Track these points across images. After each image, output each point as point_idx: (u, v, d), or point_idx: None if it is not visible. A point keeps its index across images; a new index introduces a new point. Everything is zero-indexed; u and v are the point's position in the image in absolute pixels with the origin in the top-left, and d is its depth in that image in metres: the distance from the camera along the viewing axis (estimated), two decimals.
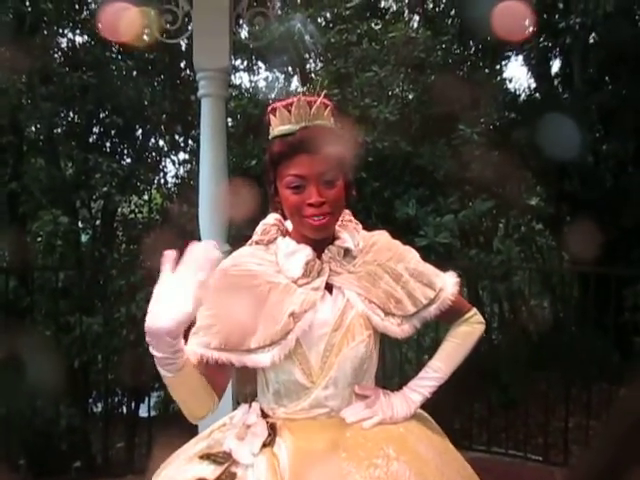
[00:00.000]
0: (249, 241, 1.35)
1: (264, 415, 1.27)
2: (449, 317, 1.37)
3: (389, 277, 1.29)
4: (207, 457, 1.21)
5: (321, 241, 1.27)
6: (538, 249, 6.72)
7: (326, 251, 1.28)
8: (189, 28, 2.75)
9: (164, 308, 1.04)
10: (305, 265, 1.25)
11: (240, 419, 1.27)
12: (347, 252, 1.29)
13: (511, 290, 5.24)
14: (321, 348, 1.22)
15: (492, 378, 4.33)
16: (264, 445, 1.20)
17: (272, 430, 1.22)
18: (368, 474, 1.12)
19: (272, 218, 1.35)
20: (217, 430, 1.29)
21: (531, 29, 5.87)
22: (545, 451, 3.34)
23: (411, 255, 1.35)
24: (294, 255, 1.26)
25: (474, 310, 1.40)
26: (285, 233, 1.33)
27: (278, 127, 1.25)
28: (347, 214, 1.35)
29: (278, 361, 1.19)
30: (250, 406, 1.30)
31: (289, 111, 1.23)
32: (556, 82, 6.48)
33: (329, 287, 1.27)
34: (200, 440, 1.29)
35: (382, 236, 1.37)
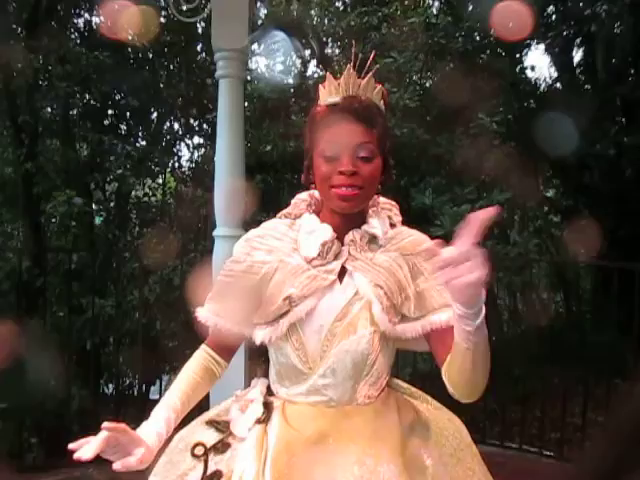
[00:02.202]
0: (279, 213, 1.31)
1: (270, 392, 1.27)
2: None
3: (409, 270, 1.20)
4: (212, 423, 1.24)
5: (347, 222, 1.21)
6: (554, 242, 6.63)
7: (349, 233, 1.21)
8: (206, 10, 2.70)
9: None
10: (321, 246, 1.19)
11: (247, 392, 1.28)
12: (373, 239, 1.22)
13: (526, 283, 5.18)
14: (322, 336, 1.18)
15: (504, 371, 4.29)
16: (259, 422, 1.20)
17: (267, 408, 1.21)
18: (352, 471, 1.08)
19: (306, 193, 1.31)
20: (230, 399, 1.30)
21: (553, 18, 5.79)
22: (560, 447, 3.29)
23: None
24: (313, 234, 1.21)
25: None
26: (314, 210, 1.27)
27: (325, 98, 1.21)
28: (389, 204, 1.29)
29: (267, 342, 1.19)
30: (258, 381, 1.30)
31: (338, 83, 1.20)
32: (578, 72, 6.34)
33: (342, 272, 1.21)
34: (220, 405, 1.31)
35: (420, 235, 1.27)
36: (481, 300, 0.93)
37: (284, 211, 1.31)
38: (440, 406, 1.32)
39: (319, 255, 1.20)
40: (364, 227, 1.22)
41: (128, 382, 5.43)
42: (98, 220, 5.62)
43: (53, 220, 4.52)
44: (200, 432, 1.24)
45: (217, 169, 2.59)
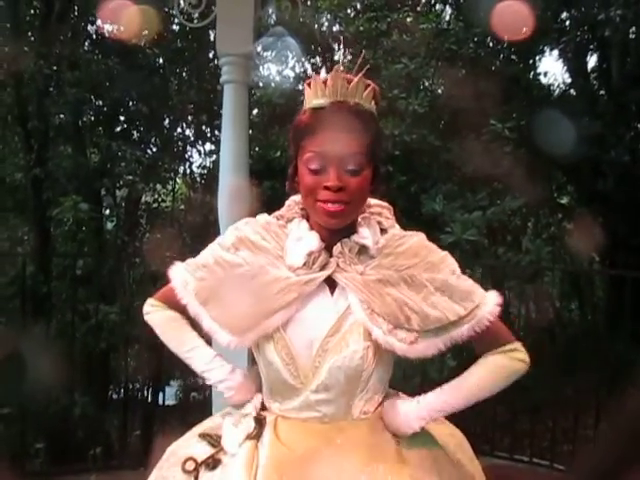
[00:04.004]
0: (273, 214, 1.25)
1: (263, 407, 1.22)
2: (484, 344, 1.16)
3: (406, 286, 1.13)
4: (205, 437, 1.20)
5: (336, 231, 1.15)
6: (567, 250, 6.53)
7: (338, 244, 1.15)
8: (211, 16, 2.68)
9: None
10: (307, 256, 1.14)
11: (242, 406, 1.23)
12: (364, 250, 1.16)
13: (539, 291, 5.10)
14: (313, 352, 1.12)
15: (515, 381, 4.21)
16: (250, 437, 1.15)
17: (258, 424, 1.16)
18: None
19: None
20: (225, 411, 1.25)
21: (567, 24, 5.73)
22: (571, 460, 3.21)
23: (444, 264, 1.17)
24: (300, 242, 1.15)
25: (518, 344, 1.17)
26: (306, 215, 1.20)
27: (311, 100, 1.13)
28: (379, 206, 1.23)
29: (233, 348, 1.14)
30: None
31: (325, 84, 1.12)
32: (592, 77, 6.26)
33: (333, 285, 1.15)
34: (215, 417, 1.27)
35: (414, 238, 1.19)
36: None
37: (277, 212, 1.25)
38: (441, 420, 1.26)
39: (305, 265, 1.14)
40: (354, 237, 1.15)
41: (137, 388, 5.43)
42: (110, 225, 5.65)
43: (62, 226, 4.54)
44: (192, 446, 1.20)
45: (221, 175, 2.57)
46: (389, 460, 1.09)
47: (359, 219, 1.18)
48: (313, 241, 1.14)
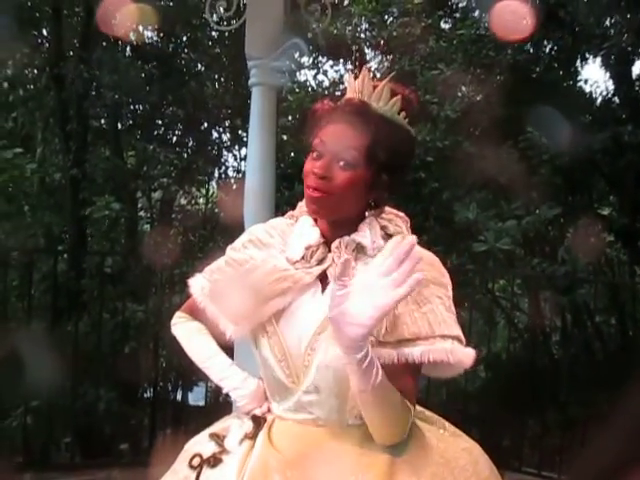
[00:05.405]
0: (287, 213, 1.28)
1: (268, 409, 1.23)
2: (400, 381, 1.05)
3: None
4: (213, 437, 1.21)
5: (337, 229, 1.16)
6: (607, 262, 6.32)
7: (336, 240, 1.16)
8: (242, 19, 2.71)
9: None
10: (305, 249, 1.16)
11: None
12: (361, 249, 1.15)
13: (575, 303, 4.94)
14: (302, 350, 1.12)
15: (549, 395, 4.08)
16: (249, 437, 1.16)
17: (256, 424, 1.17)
18: None
19: None
20: (235, 413, 1.28)
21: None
22: None
23: (440, 289, 1.11)
24: (301, 236, 1.18)
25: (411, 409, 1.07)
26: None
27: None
28: (393, 214, 1.21)
29: (234, 338, 1.18)
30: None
31: (355, 80, 1.17)
32: (637, 84, 6.08)
33: (326, 283, 1.14)
34: (227, 418, 1.29)
35: (424, 252, 1.12)
36: (358, 351, 0.96)
37: (290, 212, 1.28)
38: (458, 433, 1.21)
39: (303, 258, 1.16)
40: (353, 235, 1.16)
41: (166, 387, 5.50)
42: (147, 227, 5.76)
43: (96, 225, 4.65)
44: (202, 444, 1.22)
45: (247, 176, 2.59)
46: (378, 470, 1.06)
47: (366, 220, 1.18)
48: (313, 235, 1.17)
